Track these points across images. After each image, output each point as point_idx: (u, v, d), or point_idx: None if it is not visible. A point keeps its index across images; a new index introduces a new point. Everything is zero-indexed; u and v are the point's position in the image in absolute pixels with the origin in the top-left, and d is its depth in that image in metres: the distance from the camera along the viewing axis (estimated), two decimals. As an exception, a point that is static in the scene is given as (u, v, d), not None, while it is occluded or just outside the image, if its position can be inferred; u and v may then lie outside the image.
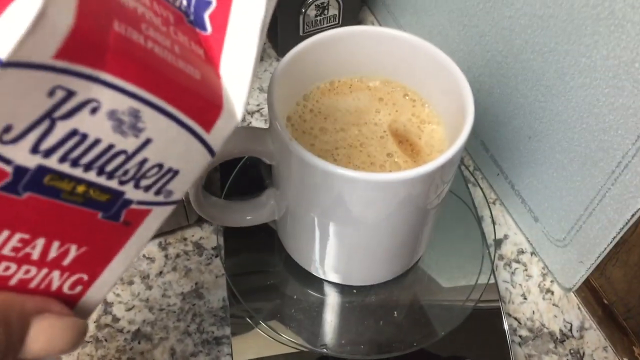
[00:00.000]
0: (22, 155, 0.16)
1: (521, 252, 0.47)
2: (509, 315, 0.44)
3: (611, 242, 0.38)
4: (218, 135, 0.21)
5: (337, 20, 0.56)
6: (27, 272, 0.18)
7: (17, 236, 0.17)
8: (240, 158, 0.45)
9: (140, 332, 0.42)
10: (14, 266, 0.18)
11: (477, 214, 0.45)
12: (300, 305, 0.40)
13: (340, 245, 0.36)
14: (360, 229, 0.34)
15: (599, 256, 0.40)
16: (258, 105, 0.55)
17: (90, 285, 0.21)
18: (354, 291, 0.40)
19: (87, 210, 0.19)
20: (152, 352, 0.41)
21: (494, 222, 0.47)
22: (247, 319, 0.39)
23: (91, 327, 0.42)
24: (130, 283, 0.44)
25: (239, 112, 0.21)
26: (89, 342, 0.41)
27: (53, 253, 0.19)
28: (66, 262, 0.19)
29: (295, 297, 0.40)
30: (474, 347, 0.40)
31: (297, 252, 0.40)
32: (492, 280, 0.42)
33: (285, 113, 0.35)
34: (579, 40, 0.36)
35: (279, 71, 0.33)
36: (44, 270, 0.19)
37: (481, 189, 0.48)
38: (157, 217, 0.21)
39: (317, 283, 0.40)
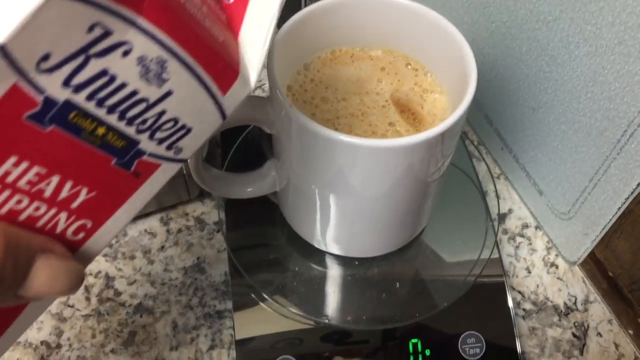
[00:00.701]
0: (54, 86, 0.16)
1: (525, 226, 0.46)
2: (513, 288, 0.43)
3: (616, 213, 0.38)
4: (232, 99, 0.22)
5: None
6: (37, 209, 0.19)
7: (35, 169, 0.18)
8: (241, 131, 0.45)
9: (142, 306, 0.42)
10: (26, 200, 0.18)
11: (481, 188, 0.45)
12: (302, 278, 0.39)
13: (342, 216, 0.35)
14: (361, 199, 0.34)
15: (603, 228, 0.39)
16: (260, 80, 0.54)
17: (93, 234, 0.21)
18: (356, 263, 0.40)
19: (102, 154, 0.19)
20: (154, 325, 0.41)
21: (497, 197, 0.46)
22: (249, 292, 0.39)
23: (93, 300, 0.42)
24: (132, 258, 0.44)
25: (252, 80, 0.22)
26: (91, 315, 0.41)
27: (64, 193, 0.19)
28: (75, 204, 0.19)
29: (297, 269, 0.40)
30: (477, 320, 0.40)
31: (298, 224, 0.40)
32: (495, 254, 0.41)
33: (285, 82, 0.35)
34: (584, 7, 0.35)
35: (279, 39, 0.32)
36: (53, 210, 0.19)
37: (485, 163, 0.47)
38: (164, 173, 0.22)
39: (319, 256, 0.40)
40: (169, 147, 0.21)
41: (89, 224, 0.21)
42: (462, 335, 0.39)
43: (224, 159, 0.44)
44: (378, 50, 0.37)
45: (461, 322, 0.39)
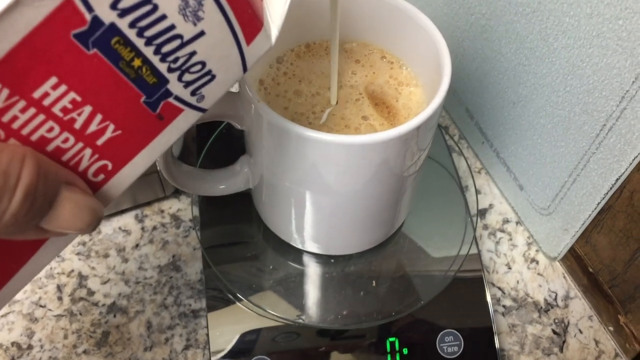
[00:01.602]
0: (102, 7, 0.17)
1: (506, 221, 0.46)
2: (493, 285, 0.43)
3: (596, 208, 0.37)
4: (254, 52, 0.22)
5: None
6: (66, 140, 0.19)
7: (71, 95, 0.18)
8: (217, 126, 0.44)
9: (115, 306, 0.41)
10: (57, 129, 0.18)
11: (460, 184, 0.44)
12: (277, 277, 0.39)
13: (317, 213, 0.35)
14: (336, 196, 0.33)
15: (583, 223, 0.39)
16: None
17: (111, 177, 0.21)
18: (332, 261, 0.39)
19: (134, 89, 0.19)
20: (128, 325, 0.40)
21: (477, 192, 0.46)
22: (224, 291, 0.38)
23: (65, 300, 0.41)
24: (106, 256, 0.43)
25: (273, 35, 0.23)
26: (63, 315, 0.40)
27: (93, 127, 0.19)
28: (100, 141, 0.20)
29: (272, 268, 0.39)
30: (455, 318, 0.39)
31: (273, 221, 0.39)
32: (474, 250, 0.41)
33: (257, 76, 0.34)
34: (562, -2, 0.35)
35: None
36: (79, 145, 0.19)
37: (465, 158, 0.47)
38: (185, 120, 0.22)
39: (295, 253, 0.39)
40: (193, 93, 0.21)
41: (110, 166, 0.21)
42: (440, 334, 0.38)
43: (198, 155, 0.43)
44: (353, 43, 0.36)
45: (439, 320, 0.39)
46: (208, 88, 0.22)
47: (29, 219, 0.18)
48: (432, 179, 0.44)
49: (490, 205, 0.47)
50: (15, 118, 0.17)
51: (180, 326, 0.40)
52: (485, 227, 0.46)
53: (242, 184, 0.37)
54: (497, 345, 0.38)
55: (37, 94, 0.17)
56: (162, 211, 0.45)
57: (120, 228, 0.44)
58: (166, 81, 0.20)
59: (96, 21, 0.17)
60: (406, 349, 0.38)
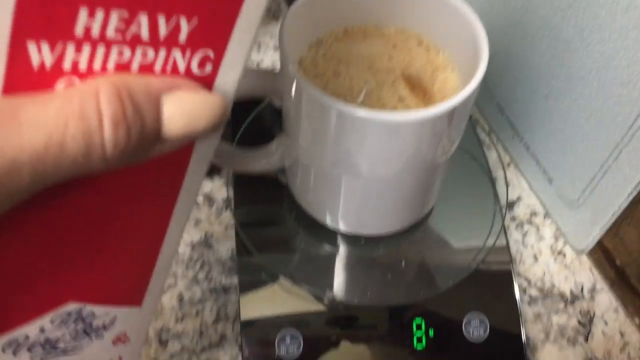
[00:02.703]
0: None
1: (534, 214, 0.46)
2: (519, 275, 0.43)
3: (626, 199, 0.38)
4: None
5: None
6: (145, 54, 0.18)
7: (115, 15, 0.17)
8: (250, 111, 0.45)
9: (149, 279, 0.42)
10: (127, 50, 0.18)
11: (490, 175, 0.45)
12: (308, 254, 0.40)
13: (349, 193, 0.36)
14: (369, 176, 0.34)
15: (613, 215, 0.39)
16: (272, 63, 0.55)
17: (220, 62, 0.19)
18: (362, 242, 0.40)
19: None
20: (161, 297, 0.41)
21: (507, 184, 0.46)
22: (255, 270, 0.39)
23: (101, 272, 0.42)
24: (141, 231, 0.44)
25: None
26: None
27: (163, 30, 0.18)
28: (181, 38, 0.18)
29: (303, 247, 0.40)
30: (482, 303, 0.39)
31: (306, 200, 0.40)
32: (503, 240, 0.41)
33: (297, 57, 0.35)
34: (599, -9, 0.35)
35: (291, 12, 0.32)
36: (163, 51, 0.18)
37: (496, 150, 0.47)
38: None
39: (327, 233, 0.40)
40: None
41: (211, 53, 0.19)
42: (467, 318, 0.39)
43: (233, 138, 0.44)
44: (391, 28, 0.37)
45: (466, 305, 0.39)
46: None
47: (138, 141, 0.17)
48: (462, 169, 0.44)
49: (519, 198, 0.47)
50: (76, 62, 0.17)
51: (211, 300, 0.41)
52: (513, 219, 0.46)
53: (278, 162, 0.38)
54: (523, 332, 0.39)
55: (79, 31, 0.16)
56: (197, 191, 0.46)
57: (155, 205, 0.46)
58: None
59: None
60: (432, 331, 0.38)
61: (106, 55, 0.17)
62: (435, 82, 0.35)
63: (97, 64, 0.17)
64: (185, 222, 0.24)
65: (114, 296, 0.24)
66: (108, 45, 0.17)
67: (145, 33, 0.17)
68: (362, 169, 0.33)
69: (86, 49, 0.17)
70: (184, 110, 0.18)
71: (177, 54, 0.18)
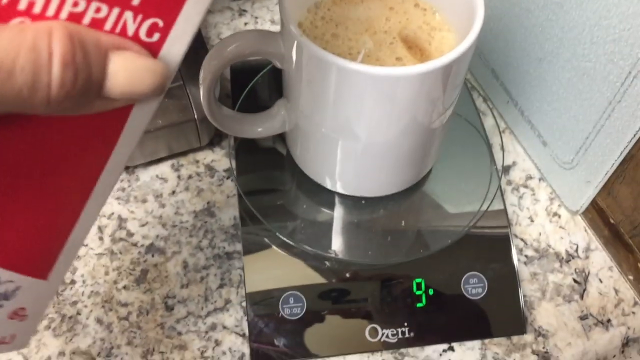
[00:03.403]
0: None
1: (529, 177, 0.47)
2: (516, 236, 0.44)
3: (619, 157, 0.39)
4: None
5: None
6: (98, 10, 0.18)
7: None
8: (251, 78, 0.46)
9: (153, 246, 0.43)
10: (82, 2, 0.18)
11: (487, 140, 0.46)
12: (310, 217, 0.40)
13: (349, 153, 0.36)
14: (368, 135, 0.34)
15: (606, 173, 0.40)
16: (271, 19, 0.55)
17: (168, 33, 0.20)
18: (363, 202, 0.41)
19: None
20: (166, 264, 0.42)
21: (502, 149, 0.47)
22: (258, 236, 0.40)
23: (106, 240, 0.43)
24: (144, 201, 0.45)
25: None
26: (103, 254, 0.42)
27: None
28: (135, 1, 0.19)
29: (305, 207, 0.41)
30: (480, 262, 0.40)
31: (306, 163, 0.40)
32: (499, 202, 0.42)
33: (296, 19, 0.35)
34: (591, -49, 0.36)
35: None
36: (116, 10, 0.19)
37: (493, 116, 0.48)
38: None
39: (328, 195, 0.41)
40: None
41: (160, 23, 0.20)
42: (465, 276, 0.40)
43: (234, 105, 0.45)
44: (387, -8, 0.37)
45: (464, 264, 0.40)
46: None
47: (82, 89, 0.18)
48: (459, 134, 0.45)
49: (514, 163, 0.48)
50: (32, 4, 0.17)
51: (215, 267, 0.42)
52: (509, 182, 0.47)
53: (279, 126, 0.39)
54: (520, 290, 0.40)
55: None
56: (197, 161, 0.47)
57: (157, 176, 0.46)
58: None
59: None
60: (432, 290, 0.39)
61: (61, 3, 0.18)
62: (432, 41, 0.35)
63: (51, 10, 0.18)
64: (104, 200, 0.24)
65: (23, 261, 0.23)
66: None
67: None
68: (361, 130, 0.34)
69: None
70: (128, 69, 0.19)
71: (129, 14, 0.19)
